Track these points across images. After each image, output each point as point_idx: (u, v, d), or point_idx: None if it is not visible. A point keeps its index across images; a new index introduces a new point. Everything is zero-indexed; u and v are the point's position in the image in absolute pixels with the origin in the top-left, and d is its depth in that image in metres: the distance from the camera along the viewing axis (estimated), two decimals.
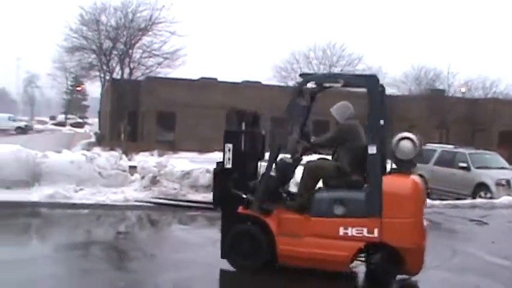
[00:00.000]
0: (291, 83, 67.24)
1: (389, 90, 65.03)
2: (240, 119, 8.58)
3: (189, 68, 48.66)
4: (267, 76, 64.75)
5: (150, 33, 41.95)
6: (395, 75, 67.58)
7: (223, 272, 8.11)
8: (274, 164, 8.03)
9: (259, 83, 48.57)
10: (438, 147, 22.90)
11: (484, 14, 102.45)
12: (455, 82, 56.13)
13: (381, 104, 8.01)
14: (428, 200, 16.80)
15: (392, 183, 7.70)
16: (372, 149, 7.64)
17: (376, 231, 7.47)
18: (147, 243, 10.30)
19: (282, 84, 64.13)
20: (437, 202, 16.52)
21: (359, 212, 7.58)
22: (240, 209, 8.02)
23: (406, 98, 50.86)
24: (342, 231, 7.60)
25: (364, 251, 7.67)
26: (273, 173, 8.05)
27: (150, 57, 42.60)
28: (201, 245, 9.84)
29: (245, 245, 7.98)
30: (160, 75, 42.94)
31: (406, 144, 7.90)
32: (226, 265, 8.08)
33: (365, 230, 7.51)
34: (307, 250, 7.71)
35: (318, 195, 7.93)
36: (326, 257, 7.64)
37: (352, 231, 7.56)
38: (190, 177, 14.42)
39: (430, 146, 23.85)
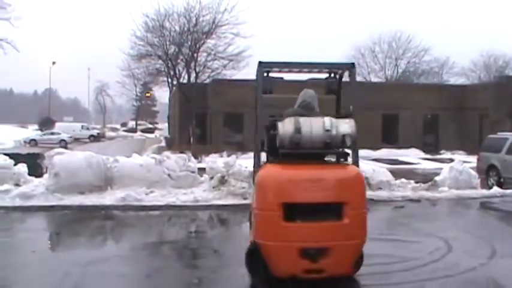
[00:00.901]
0: (358, 79, 66.93)
1: (458, 80, 64.20)
2: None
3: (255, 68, 48.89)
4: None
5: (214, 36, 42.26)
6: (464, 65, 66.49)
7: None
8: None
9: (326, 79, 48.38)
10: (510, 135, 22.41)
11: None
12: None
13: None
14: (499, 189, 16.62)
15: (261, 172, 7.38)
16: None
17: None
18: (217, 241, 10.46)
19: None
20: (508, 191, 16.19)
21: None
22: None
23: (475, 87, 49.84)
24: None
25: None
26: None
27: (215, 60, 42.91)
28: None
29: None
30: (226, 77, 43.25)
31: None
32: None
33: None
34: None
35: None
36: None
37: None
38: None
39: (501, 134, 23.39)
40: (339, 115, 7.94)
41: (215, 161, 16.95)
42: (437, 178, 16.81)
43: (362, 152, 36.14)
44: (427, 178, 18.21)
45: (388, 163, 31.46)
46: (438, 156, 37.80)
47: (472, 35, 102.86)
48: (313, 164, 7.22)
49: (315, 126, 7.23)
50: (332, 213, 6.90)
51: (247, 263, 7.47)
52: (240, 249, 9.58)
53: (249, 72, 42.94)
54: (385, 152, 41.55)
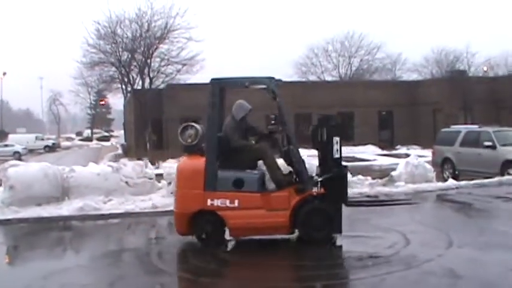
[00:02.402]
0: (311, 78, 67.36)
1: (411, 76, 65.04)
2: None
3: (209, 71, 48.77)
4: (287, 73, 64.82)
5: (166, 41, 42.15)
6: (416, 61, 67.37)
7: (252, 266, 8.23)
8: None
9: (280, 80, 48.32)
10: (462, 128, 22.81)
11: None
12: (476, 62, 55.90)
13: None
14: (455, 181, 16.92)
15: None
16: None
17: None
18: (178, 247, 10.43)
19: (303, 79, 64.21)
20: (463, 182, 16.49)
21: None
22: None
23: (428, 82, 50.60)
24: None
25: None
26: None
27: (169, 64, 42.79)
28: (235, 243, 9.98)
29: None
30: (180, 82, 43.16)
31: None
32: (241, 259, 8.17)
33: None
34: None
35: None
36: None
37: None
38: None
39: (454, 127, 23.80)
40: None
41: (172, 166, 16.88)
42: (393, 173, 17.04)
43: None
44: (383, 174, 18.45)
45: (345, 160, 31.71)
46: (394, 152, 38.31)
47: (423, 32, 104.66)
48: None
49: None
50: None
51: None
52: (200, 253, 9.66)
53: (203, 76, 42.95)
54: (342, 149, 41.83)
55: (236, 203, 9.32)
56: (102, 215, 13.21)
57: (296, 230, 9.58)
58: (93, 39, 42.18)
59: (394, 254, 8.79)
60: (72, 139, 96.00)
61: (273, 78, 9.73)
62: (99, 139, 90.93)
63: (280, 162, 9.97)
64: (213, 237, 9.52)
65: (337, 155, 9.48)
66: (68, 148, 73.70)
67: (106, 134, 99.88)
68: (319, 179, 9.50)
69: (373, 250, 9.02)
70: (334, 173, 9.47)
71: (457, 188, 16.09)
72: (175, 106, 40.50)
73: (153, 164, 25.87)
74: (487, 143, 19.81)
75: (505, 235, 9.82)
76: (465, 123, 33.25)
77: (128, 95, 47.86)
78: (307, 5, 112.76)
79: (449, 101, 42.52)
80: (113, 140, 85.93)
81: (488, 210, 12.68)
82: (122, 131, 62.70)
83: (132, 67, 43.05)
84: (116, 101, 75.18)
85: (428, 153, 24.76)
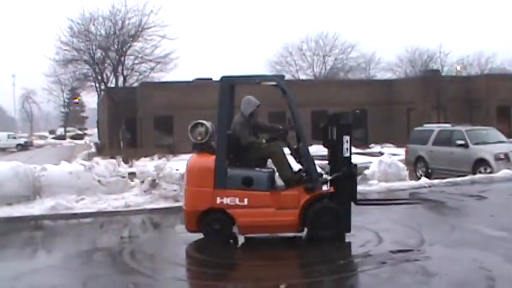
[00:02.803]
0: (286, 77, 67.35)
1: (385, 75, 65.43)
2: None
3: (183, 70, 48.64)
4: (262, 71, 64.81)
5: (140, 39, 41.87)
6: (390, 60, 67.76)
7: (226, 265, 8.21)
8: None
9: (283, 76, 48.52)
10: (435, 127, 23.00)
11: None
12: (449, 61, 56.38)
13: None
14: (427, 180, 17.02)
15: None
16: None
17: None
18: (151, 245, 10.38)
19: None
20: (436, 181, 16.60)
21: None
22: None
23: (401, 81, 50.93)
24: None
25: None
26: None
27: (143, 62, 42.55)
28: (204, 241, 9.94)
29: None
30: (154, 80, 42.97)
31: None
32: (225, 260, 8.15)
33: None
34: None
35: None
36: None
37: None
38: None
39: (427, 126, 24.00)
40: None
41: (145, 165, 16.82)
42: (366, 172, 17.10)
43: None
44: (357, 172, 18.49)
45: (319, 159, 31.81)
46: (368, 150, 38.46)
47: (397, 31, 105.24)
48: None
49: None
50: None
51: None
52: (174, 252, 9.64)
53: (177, 74, 42.85)
54: (316, 148, 41.97)
55: (246, 202, 9.35)
56: (75, 214, 13.09)
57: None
58: (66, 37, 41.80)
59: (366, 252, 8.81)
60: (46, 137, 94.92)
61: (283, 76, 10.12)
62: (72, 137, 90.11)
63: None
64: (221, 235, 9.50)
65: (347, 154, 9.54)
66: (40, 146, 72.87)
67: (80, 132, 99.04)
68: (329, 178, 9.55)
69: (346, 248, 9.05)
70: (344, 171, 9.50)
71: (429, 186, 16.18)
72: (149, 104, 40.31)
73: (126, 162, 25.69)
74: (459, 142, 20.02)
75: (476, 233, 9.88)
76: (438, 122, 33.53)
77: (102, 93, 47.58)
78: (282, 4, 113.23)
79: (422, 100, 42.81)
80: (86, 139, 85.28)
81: (461, 208, 12.78)
82: (96, 129, 62.35)
83: (105, 65, 42.76)
84: (90, 99, 74.80)
85: (401, 151, 24.91)
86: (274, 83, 10.09)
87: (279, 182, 9.79)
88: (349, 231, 9.53)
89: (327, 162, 10.06)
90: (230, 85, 9.92)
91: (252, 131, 10.09)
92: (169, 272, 8.36)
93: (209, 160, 9.55)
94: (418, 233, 9.80)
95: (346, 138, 9.54)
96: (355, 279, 7.67)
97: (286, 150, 9.97)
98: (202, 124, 9.88)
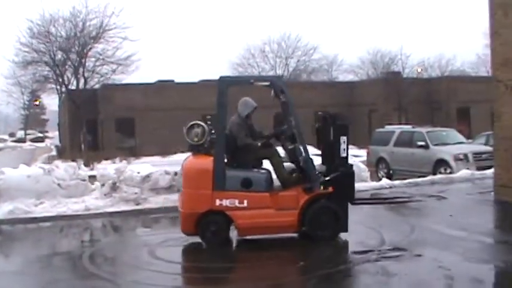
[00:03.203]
0: None
1: (347, 77, 65.88)
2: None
3: (145, 72, 48.39)
4: (224, 73, 64.73)
5: (102, 40, 41.41)
6: (352, 62, 68.24)
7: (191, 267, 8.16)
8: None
9: (216, 80, 48.41)
10: (396, 129, 23.23)
11: None
12: (410, 63, 57.06)
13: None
14: (388, 181, 17.14)
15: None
16: None
17: None
18: (112, 249, 10.28)
19: None
20: (397, 182, 16.74)
21: None
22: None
23: (363, 83, 51.35)
24: None
25: None
26: None
27: (104, 64, 42.13)
28: (164, 245, 9.88)
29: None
30: (115, 82, 42.62)
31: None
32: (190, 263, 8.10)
33: None
34: None
35: None
36: None
37: None
38: (150, 180, 14.39)
39: (388, 127, 24.22)
40: None
41: (106, 168, 16.66)
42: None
43: None
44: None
45: None
46: None
47: (359, 33, 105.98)
48: None
49: None
50: None
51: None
52: (135, 255, 9.55)
53: (138, 76, 42.57)
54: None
55: (245, 203, 9.31)
56: (34, 218, 12.88)
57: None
58: (26, 38, 41.14)
59: (327, 254, 8.83)
60: (5, 140, 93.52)
61: (281, 76, 10.13)
62: (33, 140, 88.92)
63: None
64: (217, 237, 9.43)
65: (344, 154, 9.66)
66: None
67: (40, 135, 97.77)
68: (327, 178, 9.55)
69: (308, 250, 9.06)
70: (342, 171, 9.59)
71: (390, 187, 16.29)
72: (111, 106, 39.99)
73: (87, 165, 25.47)
74: (420, 143, 20.29)
75: (436, 233, 9.98)
76: (399, 124, 33.87)
77: (63, 95, 47.02)
78: (244, 6, 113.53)
79: (384, 101, 43.21)
80: (47, 141, 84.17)
81: (421, 208, 12.88)
82: (57, 132, 61.59)
83: (66, 67, 42.20)
84: (51, 102, 73.80)
85: (363, 153, 25.09)
86: (267, 83, 10.20)
87: (276, 182, 9.77)
88: (346, 231, 9.57)
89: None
90: (228, 86, 9.86)
91: (249, 133, 10.08)
92: (130, 276, 8.28)
93: (207, 162, 9.51)
94: (378, 233, 9.86)
95: (343, 138, 9.67)
96: (315, 280, 7.67)
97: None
98: (198, 125, 9.82)
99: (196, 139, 9.74)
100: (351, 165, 9.93)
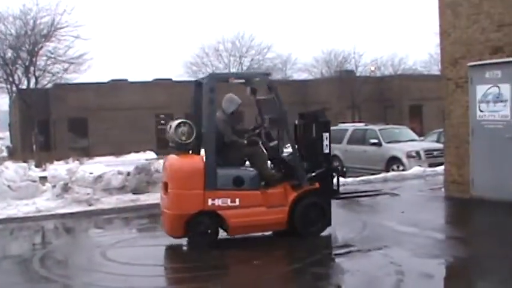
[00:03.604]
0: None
1: (301, 76, 66.16)
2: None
3: (98, 71, 47.99)
4: (178, 72, 64.48)
5: (53, 39, 40.86)
6: (306, 61, 68.51)
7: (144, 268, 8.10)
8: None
9: (170, 80, 48.32)
10: (349, 126, 23.42)
11: None
12: (363, 62, 57.57)
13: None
14: (342, 178, 17.23)
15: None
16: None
17: None
18: (64, 251, 10.13)
19: (194, 79, 64.05)
20: (350, 179, 16.85)
21: None
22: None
23: (317, 82, 51.66)
24: None
25: None
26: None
27: (56, 63, 41.57)
28: (116, 246, 9.79)
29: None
30: (67, 82, 42.08)
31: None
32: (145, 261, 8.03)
33: None
34: None
35: None
36: None
37: None
38: (102, 180, 14.26)
39: (341, 125, 24.39)
40: None
41: (57, 169, 16.42)
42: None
43: None
44: None
45: None
46: (285, 150, 38.74)
47: (313, 32, 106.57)
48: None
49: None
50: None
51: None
52: (87, 257, 9.42)
53: (91, 76, 42.10)
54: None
55: (237, 202, 9.18)
56: None
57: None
58: None
59: (280, 251, 8.86)
60: None
61: (268, 74, 10.84)
62: None
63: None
64: (208, 238, 9.28)
65: (327, 150, 9.82)
66: None
67: None
68: (313, 174, 9.62)
69: (256, 249, 9.09)
70: (326, 167, 9.74)
71: (343, 184, 16.30)
72: (63, 106, 39.53)
73: (39, 166, 25.11)
74: (373, 141, 20.49)
75: (388, 229, 10.10)
76: (353, 122, 34.17)
77: (13, 94, 46.24)
78: (199, 5, 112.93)
79: (338, 100, 43.63)
80: None
81: (373, 205, 12.99)
82: (7, 133, 60.56)
83: (17, 65, 41.51)
84: (1, 101, 72.34)
85: None
86: (250, 81, 10.38)
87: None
88: (330, 224, 9.71)
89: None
90: (218, 82, 9.88)
91: (234, 130, 9.99)
92: (81, 278, 8.16)
93: (197, 161, 9.38)
94: (331, 230, 9.91)
95: (326, 135, 9.88)
96: (268, 278, 7.68)
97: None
98: (185, 123, 9.62)
99: (183, 138, 9.52)
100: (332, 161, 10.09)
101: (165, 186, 9.52)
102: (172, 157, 9.77)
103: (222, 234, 9.45)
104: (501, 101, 12.24)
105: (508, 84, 12.10)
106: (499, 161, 12.29)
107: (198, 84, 10.25)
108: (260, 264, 8.31)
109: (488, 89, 12.47)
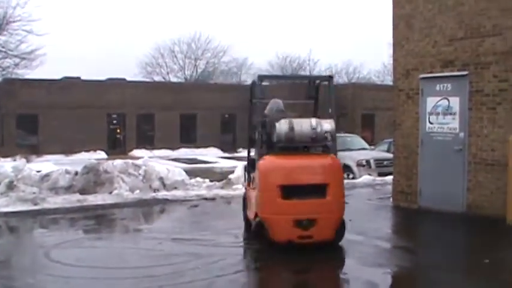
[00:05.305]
0: (157, 78, 66.98)
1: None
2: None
3: (50, 68, 47.05)
4: (132, 72, 63.98)
5: (5, 32, 40.03)
6: (262, 65, 68.75)
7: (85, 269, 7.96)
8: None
9: (124, 79, 47.92)
10: None
11: (345, 1, 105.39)
12: (318, 69, 58.08)
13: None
14: None
15: (260, 162, 9.26)
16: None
17: None
18: (6, 251, 9.88)
19: (148, 79, 63.66)
20: None
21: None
22: None
23: (270, 88, 51.69)
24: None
25: None
26: None
27: (6, 58, 40.77)
28: (61, 247, 9.62)
29: None
30: (18, 77, 41.30)
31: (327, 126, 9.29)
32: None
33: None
34: None
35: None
36: None
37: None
38: (49, 179, 14.02)
39: None
40: (318, 116, 9.97)
41: (2, 165, 16.06)
42: (231, 176, 17.18)
43: (161, 152, 36.61)
44: (224, 176, 18.53)
45: (186, 162, 31.81)
46: (236, 155, 38.80)
47: (268, 37, 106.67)
48: (302, 155, 9.27)
49: (304, 125, 9.14)
50: (318, 192, 8.84)
51: (256, 233, 9.21)
52: (30, 258, 9.22)
53: (43, 72, 41.42)
54: (183, 152, 42.07)
55: None
56: None
57: None
58: None
59: (224, 256, 8.80)
60: None
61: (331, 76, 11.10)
62: None
63: None
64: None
65: None
66: None
67: None
68: None
69: (207, 252, 9.02)
70: None
71: None
72: (13, 102, 38.74)
73: None
74: None
75: None
76: None
77: None
78: (155, 4, 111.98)
79: (292, 105, 43.71)
80: None
81: None
82: None
83: None
84: None
85: None
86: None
87: None
88: None
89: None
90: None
91: None
92: (23, 279, 7.97)
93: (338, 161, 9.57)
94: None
95: None
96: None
97: None
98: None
99: (328, 135, 9.36)
100: None
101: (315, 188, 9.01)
102: (315, 157, 9.42)
103: None
104: (450, 114, 12.43)
105: (457, 97, 12.30)
106: (446, 172, 12.48)
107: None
108: None
109: (438, 101, 12.66)
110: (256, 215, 9.17)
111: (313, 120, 9.28)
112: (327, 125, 9.31)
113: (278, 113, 9.81)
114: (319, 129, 9.17)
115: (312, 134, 9.13)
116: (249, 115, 10.82)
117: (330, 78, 10.64)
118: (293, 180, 8.86)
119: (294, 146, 9.23)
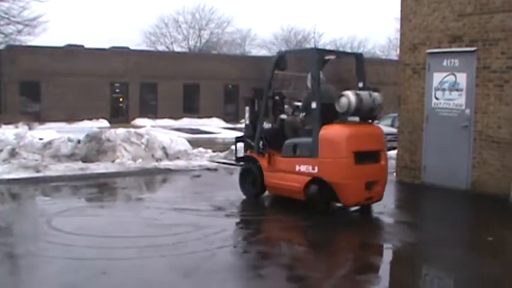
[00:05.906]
0: (160, 48, 66.67)
1: (260, 52, 66.03)
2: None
3: (53, 35, 46.83)
4: (136, 41, 63.63)
5: None
6: (266, 37, 68.39)
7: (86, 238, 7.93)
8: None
9: (127, 48, 47.64)
10: None
11: None
12: (323, 42, 57.70)
13: (316, 69, 10.19)
14: None
15: (327, 131, 9.59)
16: (313, 105, 9.80)
17: (316, 168, 9.60)
18: (9, 218, 9.86)
19: (151, 49, 63.35)
20: None
21: (307, 153, 9.81)
22: (248, 152, 11.35)
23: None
24: (297, 168, 9.93)
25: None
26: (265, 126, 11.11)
27: (9, 24, 40.47)
28: (62, 215, 9.59)
29: (248, 178, 11.10)
30: (21, 44, 41.06)
31: (343, 100, 9.66)
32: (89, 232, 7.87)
33: (310, 167, 9.68)
34: (278, 182, 10.38)
35: (286, 142, 10.38)
36: (288, 187, 10.16)
37: (302, 168, 9.84)
38: (51, 147, 13.96)
39: None
40: (365, 89, 10.43)
41: (5, 133, 16.00)
42: (233, 147, 17.10)
43: (164, 122, 36.43)
44: (227, 147, 18.51)
45: (189, 133, 31.77)
46: (239, 125, 38.67)
47: (273, 9, 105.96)
48: (361, 124, 10.05)
49: (367, 97, 9.84)
50: (374, 157, 9.92)
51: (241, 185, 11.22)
52: (32, 225, 9.20)
53: (46, 39, 41.19)
54: (186, 122, 42.01)
55: None
56: None
57: None
58: None
59: (226, 228, 8.78)
60: None
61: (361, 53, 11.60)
62: None
63: None
64: None
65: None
66: None
67: None
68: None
69: (208, 223, 8.99)
70: None
71: None
72: (16, 69, 38.60)
73: None
74: None
75: (339, 211, 10.10)
76: None
77: None
78: None
79: (296, 78, 43.55)
80: None
81: None
82: None
83: None
84: None
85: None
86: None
87: None
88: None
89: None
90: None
91: None
92: (24, 247, 7.93)
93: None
94: None
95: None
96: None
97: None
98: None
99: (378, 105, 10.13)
100: None
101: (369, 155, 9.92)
102: (371, 126, 10.33)
103: None
104: (457, 90, 12.33)
105: (464, 73, 12.19)
106: (451, 148, 12.42)
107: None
108: None
109: (445, 77, 12.56)
110: (309, 182, 9.75)
111: (373, 94, 10.05)
112: (379, 98, 10.08)
113: (324, 85, 10.41)
114: (376, 102, 9.97)
115: (372, 106, 9.93)
116: (267, 86, 11.33)
117: (360, 55, 11.31)
118: (364, 147, 9.72)
119: (361, 116, 10.00)
